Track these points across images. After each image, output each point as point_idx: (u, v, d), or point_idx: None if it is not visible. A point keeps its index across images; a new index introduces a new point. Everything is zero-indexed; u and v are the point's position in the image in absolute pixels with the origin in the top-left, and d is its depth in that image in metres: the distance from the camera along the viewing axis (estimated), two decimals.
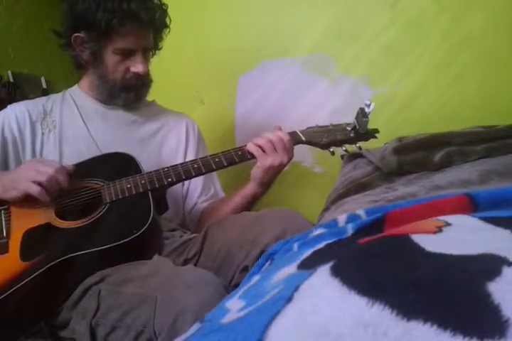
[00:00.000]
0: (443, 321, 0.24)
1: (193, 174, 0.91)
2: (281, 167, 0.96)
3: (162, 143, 1.12)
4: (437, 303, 0.25)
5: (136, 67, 0.99)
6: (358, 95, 1.35)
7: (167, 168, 0.91)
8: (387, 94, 1.32)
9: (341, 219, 0.52)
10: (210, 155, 0.94)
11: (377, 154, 0.97)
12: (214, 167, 0.92)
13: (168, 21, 1.04)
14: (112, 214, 0.84)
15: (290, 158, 0.97)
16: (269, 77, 1.48)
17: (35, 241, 0.81)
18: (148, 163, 0.98)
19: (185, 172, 0.90)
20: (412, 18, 1.26)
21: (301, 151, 1.44)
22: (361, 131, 0.95)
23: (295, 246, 0.49)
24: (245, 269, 0.82)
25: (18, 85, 1.74)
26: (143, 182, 0.87)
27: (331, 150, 0.98)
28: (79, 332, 0.73)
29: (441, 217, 0.42)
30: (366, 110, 0.91)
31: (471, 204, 0.46)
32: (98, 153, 0.99)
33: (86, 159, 0.96)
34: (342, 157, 1.16)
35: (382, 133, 1.03)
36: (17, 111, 1.02)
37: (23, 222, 0.83)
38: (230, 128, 1.58)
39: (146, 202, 0.85)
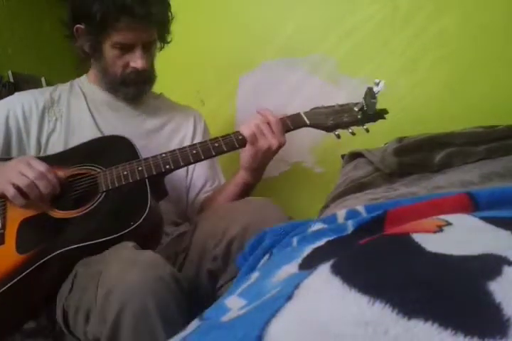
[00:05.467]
0: (444, 320, 0.24)
1: (192, 160, 0.88)
2: (270, 152, 0.90)
3: (170, 137, 1.11)
4: (438, 302, 0.25)
5: (136, 62, 0.97)
6: (358, 95, 1.34)
7: (165, 153, 0.88)
8: (386, 93, 1.32)
9: (340, 214, 0.52)
10: (210, 140, 0.90)
11: (378, 154, 0.97)
12: (213, 153, 0.88)
13: (170, 14, 1.02)
14: (108, 203, 0.82)
15: (280, 142, 0.90)
16: (270, 77, 1.48)
17: (31, 231, 0.80)
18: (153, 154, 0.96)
19: (183, 158, 0.87)
20: (407, 16, 1.27)
21: (302, 151, 1.45)
22: (369, 112, 0.89)
23: (294, 240, 0.49)
24: (215, 259, 0.81)
25: (18, 85, 1.74)
26: (140, 168, 0.85)
27: (337, 133, 0.92)
28: (58, 316, 0.73)
29: (442, 216, 0.42)
30: (374, 89, 0.86)
31: (472, 203, 0.46)
32: None
33: (82, 143, 0.94)
34: (342, 156, 1.16)
35: (382, 132, 1.03)
36: (24, 100, 1.01)
37: (19, 212, 0.81)
38: (230, 129, 1.58)
39: (143, 191, 0.82)
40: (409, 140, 0.96)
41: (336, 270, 0.31)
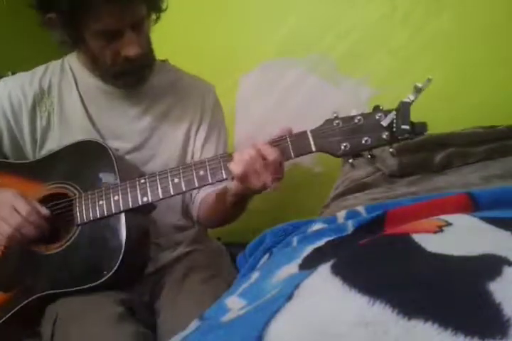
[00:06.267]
0: (444, 320, 0.24)
1: (172, 192, 0.75)
2: (263, 188, 0.72)
3: (175, 125, 0.96)
4: (438, 302, 0.25)
5: (127, 49, 0.79)
6: (358, 95, 1.34)
7: (144, 178, 0.77)
8: (385, 93, 1.32)
9: (340, 215, 0.53)
10: (197, 163, 0.75)
11: (378, 155, 0.97)
12: (196, 184, 0.74)
13: None
14: (84, 241, 0.79)
15: (277, 178, 0.72)
16: (270, 77, 1.48)
17: (11, 266, 0.80)
18: (160, 149, 0.92)
19: (163, 189, 0.76)
20: (408, 15, 1.27)
21: None
22: (398, 135, 0.64)
23: (294, 240, 0.49)
24: None
25: None
26: (116, 198, 0.77)
27: (350, 161, 0.69)
28: None
29: (442, 216, 0.42)
30: (410, 98, 0.63)
31: (472, 204, 0.46)
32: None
33: (60, 149, 0.86)
34: None
35: None
36: (11, 91, 0.89)
37: None
38: (229, 129, 1.57)
39: (119, 229, 0.77)
40: (409, 140, 0.96)
41: (336, 270, 0.31)
